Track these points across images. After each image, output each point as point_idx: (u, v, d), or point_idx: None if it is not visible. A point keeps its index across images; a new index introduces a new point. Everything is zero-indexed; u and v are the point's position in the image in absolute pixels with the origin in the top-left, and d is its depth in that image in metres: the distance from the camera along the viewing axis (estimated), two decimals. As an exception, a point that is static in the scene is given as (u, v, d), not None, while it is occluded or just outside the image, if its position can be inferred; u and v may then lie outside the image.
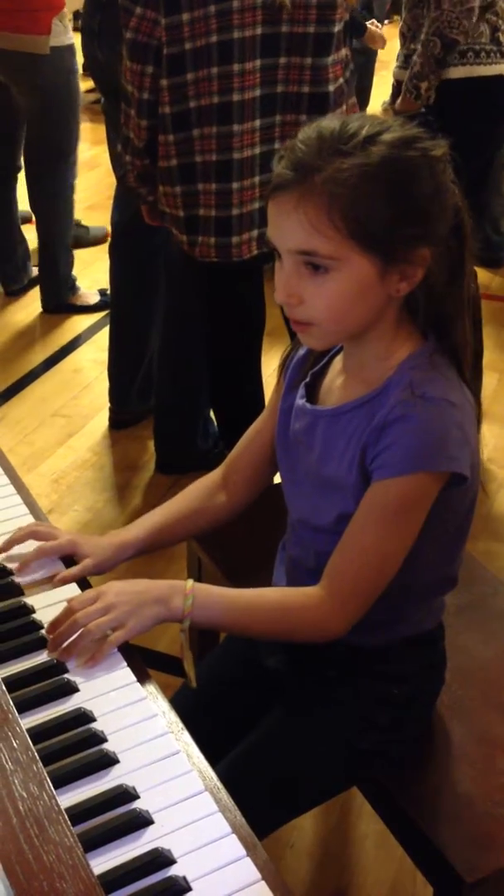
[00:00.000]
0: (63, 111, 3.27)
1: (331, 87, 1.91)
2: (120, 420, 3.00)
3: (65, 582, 1.21)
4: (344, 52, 1.93)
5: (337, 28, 1.87)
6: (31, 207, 3.58)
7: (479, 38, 2.46)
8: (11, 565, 1.24)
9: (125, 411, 2.99)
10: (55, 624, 1.12)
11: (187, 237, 2.05)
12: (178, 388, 2.67)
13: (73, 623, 1.10)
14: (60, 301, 3.64)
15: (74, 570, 1.23)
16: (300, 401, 1.25)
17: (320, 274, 1.08)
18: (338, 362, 1.24)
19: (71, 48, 3.18)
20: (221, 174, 1.94)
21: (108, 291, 3.09)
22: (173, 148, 1.95)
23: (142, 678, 1.08)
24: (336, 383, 1.22)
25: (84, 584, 1.22)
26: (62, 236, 3.56)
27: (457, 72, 2.44)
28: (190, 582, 1.15)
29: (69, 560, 1.25)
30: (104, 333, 3.51)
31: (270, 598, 1.21)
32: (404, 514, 1.12)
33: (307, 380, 1.26)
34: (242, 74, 1.84)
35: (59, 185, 3.46)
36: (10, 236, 3.70)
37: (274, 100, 1.90)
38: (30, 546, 1.25)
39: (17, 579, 1.22)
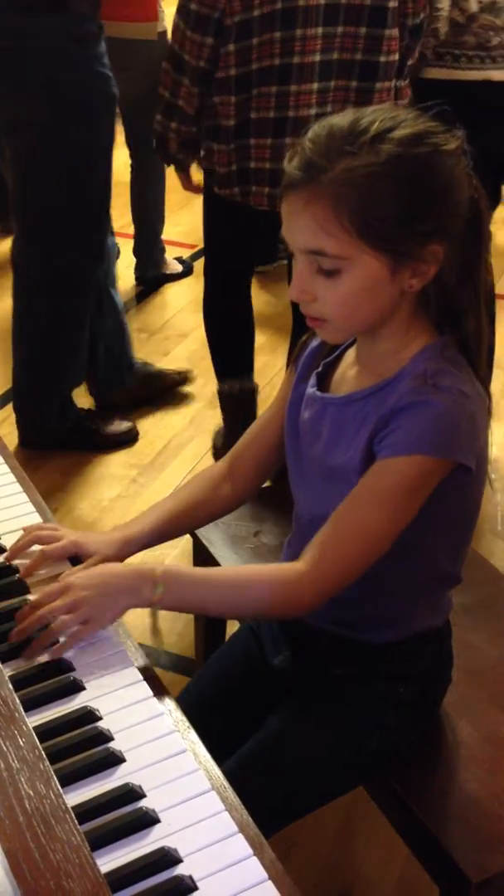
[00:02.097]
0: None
1: (382, 58, 2.07)
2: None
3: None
4: (396, 32, 2.06)
5: (392, 3, 2.04)
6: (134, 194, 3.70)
7: (463, 45, 2.47)
8: (18, 562, 1.24)
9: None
10: (20, 618, 1.11)
11: (239, 188, 2.23)
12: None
13: (38, 620, 1.09)
14: (156, 272, 3.82)
15: (78, 569, 1.22)
16: (311, 389, 1.25)
17: (332, 272, 1.08)
18: (350, 353, 1.24)
19: (166, 33, 3.22)
20: (277, 130, 2.11)
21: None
22: (233, 108, 2.11)
23: (148, 677, 1.08)
24: (349, 374, 1.22)
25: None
26: (161, 215, 3.73)
27: (433, 72, 2.48)
28: (159, 567, 1.13)
29: (75, 559, 1.25)
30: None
31: (244, 575, 1.20)
32: (401, 496, 1.11)
33: (319, 369, 1.26)
34: (304, 39, 2.01)
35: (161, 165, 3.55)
36: None
37: (330, 66, 2.06)
38: (34, 549, 1.24)
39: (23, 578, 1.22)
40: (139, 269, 3.83)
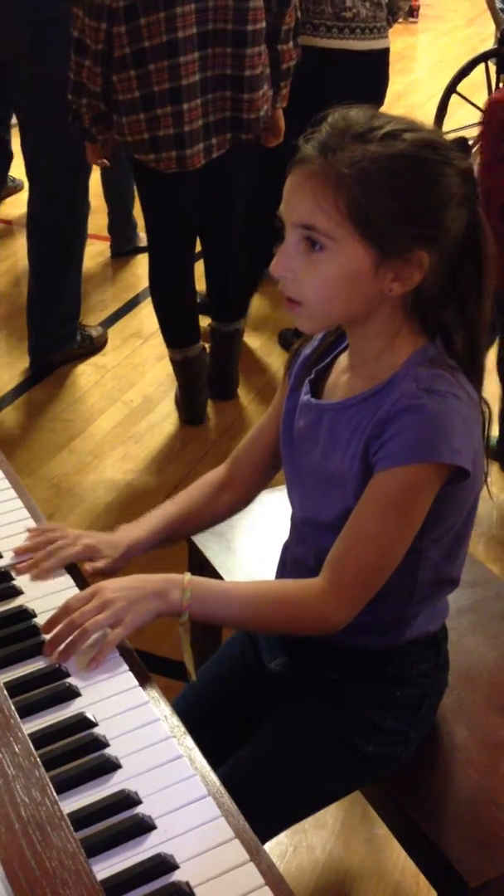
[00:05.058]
0: None
1: (249, 27, 2.44)
2: None
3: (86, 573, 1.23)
4: (260, 3, 2.43)
5: None
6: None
7: (321, 14, 2.69)
8: (17, 559, 1.24)
9: None
10: (51, 623, 1.12)
11: (154, 155, 2.52)
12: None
13: (70, 623, 1.09)
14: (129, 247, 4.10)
15: (95, 566, 1.24)
16: (305, 397, 1.25)
17: (316, 252, 1.09)
18: (343, 359, 1.24)
19: None
20: (174, 98, 2.43)
21: None
22: (135, 82, 2.42)
23: (144, 682, 1.08)
24: (341, 380, 1.23)
25: (82, 583, 1.22)
26: (132, 192, 3.91)
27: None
28: (187, 575, 1.15)
29: (72, 565, 1.25)
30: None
31: (269, 590, 1.21)
32: (406, 505, 1.12)
33: (312, 376, 1.26)
34: (183, 16, 2.36)
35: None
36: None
37: (206, 36, 2.42)
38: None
39: (18, 583, 1.21)
40: (114, 245, 4.10)
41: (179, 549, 2.24)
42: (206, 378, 3.02)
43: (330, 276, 1.10)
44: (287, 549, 1.36)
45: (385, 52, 2.86)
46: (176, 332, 2.95)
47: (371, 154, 1.06)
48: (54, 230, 3.16)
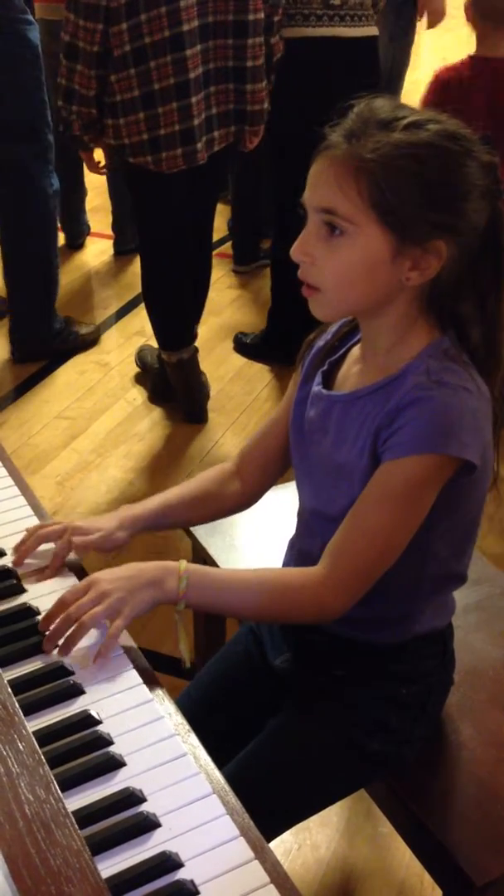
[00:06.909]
0: None
1: (250, 17, 2.44)
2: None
3: (78, 548, 1.22)
4: None
5: None
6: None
7: (309, 4, 2.70)
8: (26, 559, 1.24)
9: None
10: (48, 619, 1.11)
11: (152, 156, 2.49)
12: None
13: (67, 618, 1.09)
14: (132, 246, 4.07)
15: (85, 539, 1.23)
16: (316, 387, 1.25)
17: (336, 237, 1.09)
18: (355, 351, 1.24)
19: None
20: (181, 93, 2.40)
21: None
22: (135, 80, 2.39)
23: (148, 680, 1.07)
24: (353, 371, 1.23)
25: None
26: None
27: (287, 32, 2.68)
28: (183, 562, 1.14)
29: (77, 565, 1.25)
30: (106, 335, 3.52)
31: (267, 577, 1.20)
32: (410, 497, 1.11)
33: (324, 367, 1.26)
34: (186, 9, 2.34)
35: None
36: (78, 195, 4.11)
37: (207, 28, 2.42)
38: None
39: (23, 582, 1.21)
40: (117, 243, 4.14)
41: (181, 545, 2.25)
42: (201, 377, 3.01)
43: (348, 261, 1.10)
44: (292, 545, 1.35)
45: (375, 40, 2.88)
46: (171, 334, 2.93)
47: (394, 141, 1.07)
48: (10, 216, 3.16)
